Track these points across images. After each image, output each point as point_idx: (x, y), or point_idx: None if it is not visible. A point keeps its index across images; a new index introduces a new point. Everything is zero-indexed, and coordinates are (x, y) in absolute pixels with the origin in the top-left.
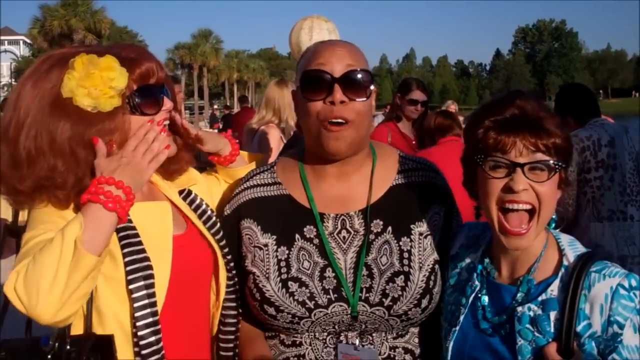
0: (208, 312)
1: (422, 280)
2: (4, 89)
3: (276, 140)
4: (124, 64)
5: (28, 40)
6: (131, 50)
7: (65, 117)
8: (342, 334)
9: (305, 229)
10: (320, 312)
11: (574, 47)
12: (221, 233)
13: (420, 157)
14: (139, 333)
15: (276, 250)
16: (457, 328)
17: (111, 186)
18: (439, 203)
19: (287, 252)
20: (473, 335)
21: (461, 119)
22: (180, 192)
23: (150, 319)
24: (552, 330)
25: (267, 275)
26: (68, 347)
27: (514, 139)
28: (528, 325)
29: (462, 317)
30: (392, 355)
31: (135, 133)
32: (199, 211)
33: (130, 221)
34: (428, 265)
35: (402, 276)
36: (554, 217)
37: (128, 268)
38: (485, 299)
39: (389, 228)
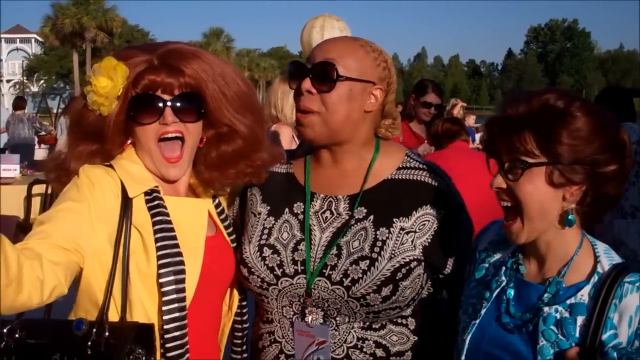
0: (219, 322)
1: (388, 269)
2: (15, 86)
3: (288, 138)
4: (133, 70)
5: (40, 39)
6: (161, 57)
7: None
8: (307, 314)
9: (295, 205)
10: (286, 281)
11: (586, 47)
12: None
13: (428, 160)
14: (165, 327)
15: (265, 219)
16: (477, 322)
17: None
18: (435, 205)
19: (273, 221)
20: (492, 331)
21: (473, 117)
22: (213, 198)
23: (177, 314)
24: (577, 335)
25: (250, 240)
26: (107, 333)
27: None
28: (553, 327)
29: (483, 311)
30: (359, 346)
31: None
32: (226, 222)
33: (167, 215)
34: (401, 258)
35: (367, 261)
36: (572, 218)
37: (160, 262)
38: (512, 292)
39: (371, 217)
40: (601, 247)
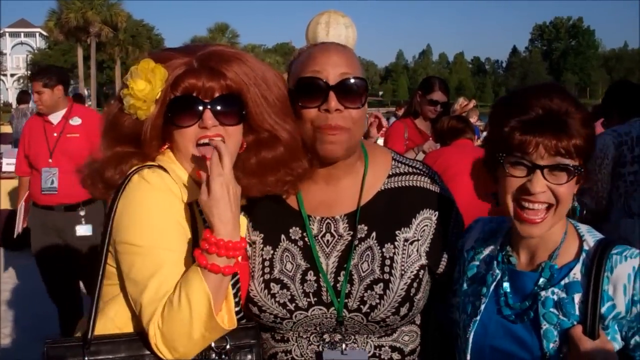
0: None
1: (402, 289)
2: (19, 81)
3: None
4: (172, 72)
5: (44, 33)
6: (201, 59)
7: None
8: (324, 334)
9: (291, 230)
10: (301, 314)
11: (590, 45)
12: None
13: (416, 161)
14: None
15: (262, 249)
16: (478, 318)
17: (222, 257)
18: (430, 208)
19: (271, 252)
20: (494, 324)
21: (476, 115)
22: None
23: (238, 316)
24: (577, 313)
25: (252, 275)
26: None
27: (537, 140)
28: (552, 309)
29: (482, 307)
30: (377, 354)
31: (212, 161)
32: None
33: None
34: (411, 272)
35: (381, 284)
36: (577, 206)
37: None
38: (507, 285)
39: (373, 234)
40: (583, 227)
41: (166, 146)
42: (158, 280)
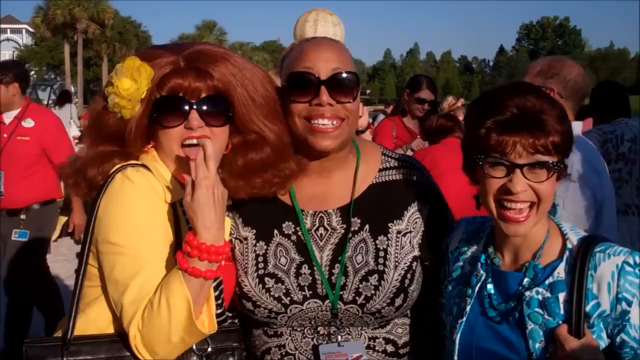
0: None
1: (397, 279)
2: None
3: None
4: (158, 71)
5: (31, 29)
6: (187, 59)
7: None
8: (319, 327)
9: (284, 225)
10: (296, 307)
11: (577, 45)
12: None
13: (405, 155)
14: None
15: (255, 245)
16: (464, 320)
17: (204, 261)
18: (421, 201)
19: (265, 247)
20: (480, 325)
21: (462, 113)
22: None
23: (219, 319)
24: (562, 312)
25: (245, 270)
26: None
27: (514, 139)
28: (537, 309)
29: (468, 308)
30: (371, 345)
31: (197, 161)
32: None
33: None
34: (405, 263)
35: (376, 275)
36: (557, 204)
37: None
38: (491, 287)
39: (366, 226)
40: (566, 225)
41: (150, 145)
42: (140, 282)
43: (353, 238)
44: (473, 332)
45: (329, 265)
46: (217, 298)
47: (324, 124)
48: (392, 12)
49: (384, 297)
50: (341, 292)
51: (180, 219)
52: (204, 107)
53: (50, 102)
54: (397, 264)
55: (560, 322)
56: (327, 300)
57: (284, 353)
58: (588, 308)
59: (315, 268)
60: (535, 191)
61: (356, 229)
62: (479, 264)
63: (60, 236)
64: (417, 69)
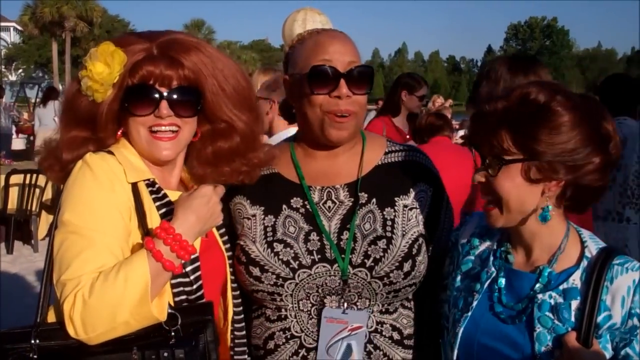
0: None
1: (405, 246)
2: None
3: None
4: (131, 58)
5: (19, 27)
6: (161, 46)
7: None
8: (326, 303)
9: (292, 200)
10: (304, 272)
11: (565, 45)
12: (230, 252)
13: (408, 144)
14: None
15: (263, 219)
16: (470, 314)
17: (167, 246)
18: (425, 182)
19: (273, 219)
20: (486, 321)
21: (449, 113)
22: None
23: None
24: (573, 319)
25: (253, 240)
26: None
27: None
28: (548, 313)
29: (475, 303)
30: (379, 330)
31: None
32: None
33: (172, 203)
34: (411, 234)
35: (384, 240)
36: (546, 213)
37: None
38: (503, 281)
39: (374, 200)
40: (586, 233)
41: (121, 130)
42: (84, 258)
43: (361, 209)
44: (477, 328)
45: (337, 232)
46: (196, 290)
47: (340, 115)
48: (380, 12)
49: (392, 260)
50: (350, 256)
51: (144, 199)
52: (175, 97)
53: (37, 100)
54: (404, 233)
55: (570, 329)
56: (336, 265)
57: (288, 336)
58: (599, 319)
59: (323, 235)
60: (495, 188)
61: (364, 202)
62: (492, 259)
63: (47, 235)
64: (406, 69)
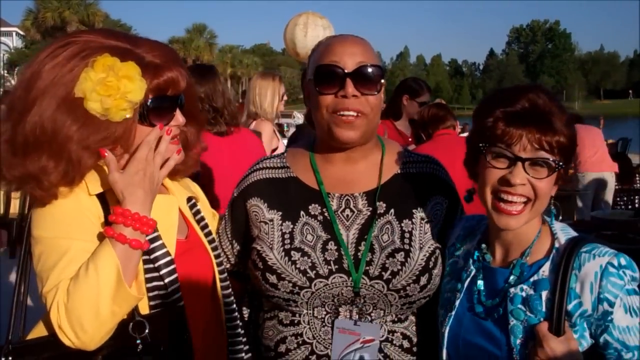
0: (214, 329)
1: (422, 259)
2: None
3: (269, 135)
4: (145, 70)
5: (21, 32)
6: (159, 54)
7: (73, 117)
8: (340, 313)
9: (310, 207)
10: (321, 282)
11: (567, 48)
12: (218, 250)
13: (424, 154)
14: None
15: (281, 225)
16: (453, 313)
17: (128, 227)
18: (441, 195)
19: (291, 226)
20: (468, 319)
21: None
22: (188, 200)
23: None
24: (544, 309)
25: (270, 246)
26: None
27: (521, 132)
28: (520, 306)
29: (457, 302)
30: (390, 339)
31: (146, 140)
32: (202, 223)
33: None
34: (428, 247)
35: (402, 252)
36: (553, 210)
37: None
38: (481, 283)
39: (392, 210)
40: (557, 225)
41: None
42: (60, 267)
43: (379, 220)
44: (461, 326)
45: (355, 242)
46: (172, 283)
47: (348, 115)
48: (381, 16)
49: (410, 274)
50: (367, 268)
51: (110, 208)
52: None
53: None
54: (422, 245)
55: (542, 319)
56: (352, 277)
57: (300, 342)
58: (570, 307)
59: (340, 245)
60: (534, 187)
61: (382, 212)
62: (471, 260)
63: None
64: (407, 72)
